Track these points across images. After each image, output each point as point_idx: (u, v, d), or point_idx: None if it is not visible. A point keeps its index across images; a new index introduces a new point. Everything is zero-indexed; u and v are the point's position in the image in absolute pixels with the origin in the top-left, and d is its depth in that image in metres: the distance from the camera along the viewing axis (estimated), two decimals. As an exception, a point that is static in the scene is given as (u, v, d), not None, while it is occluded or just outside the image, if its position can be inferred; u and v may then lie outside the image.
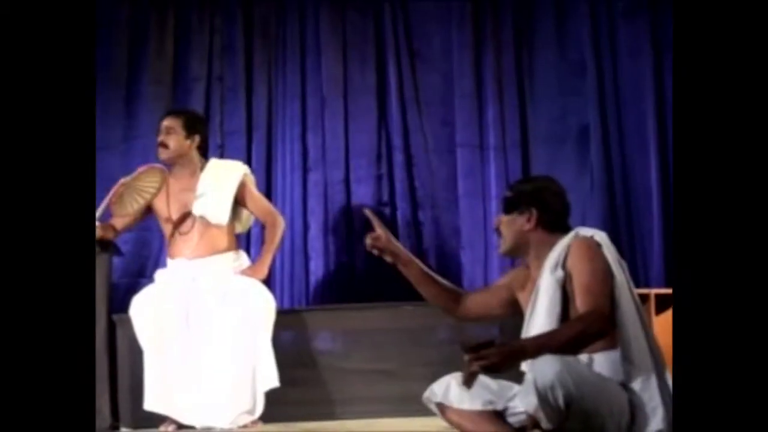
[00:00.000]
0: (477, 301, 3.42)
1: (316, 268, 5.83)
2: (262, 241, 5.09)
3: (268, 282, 4.85)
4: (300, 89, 5.97)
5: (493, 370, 2.87)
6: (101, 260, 4.74)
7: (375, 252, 3.33)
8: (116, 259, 5.03)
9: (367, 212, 3.38)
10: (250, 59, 5.97)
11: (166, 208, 4.79)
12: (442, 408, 3.23)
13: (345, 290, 5.73)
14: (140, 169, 4.76)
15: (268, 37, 6.01)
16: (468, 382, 2.92)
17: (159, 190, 4.72)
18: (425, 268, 3.38)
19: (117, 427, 4.71)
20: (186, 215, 4.74)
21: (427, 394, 3.26)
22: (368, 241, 3.30)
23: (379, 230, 3.33)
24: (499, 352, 2.83)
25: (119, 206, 4.71)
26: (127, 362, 4.73)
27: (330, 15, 6.04)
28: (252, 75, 5.96)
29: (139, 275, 5.47)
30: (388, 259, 3.33)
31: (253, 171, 5.09)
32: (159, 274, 4.80)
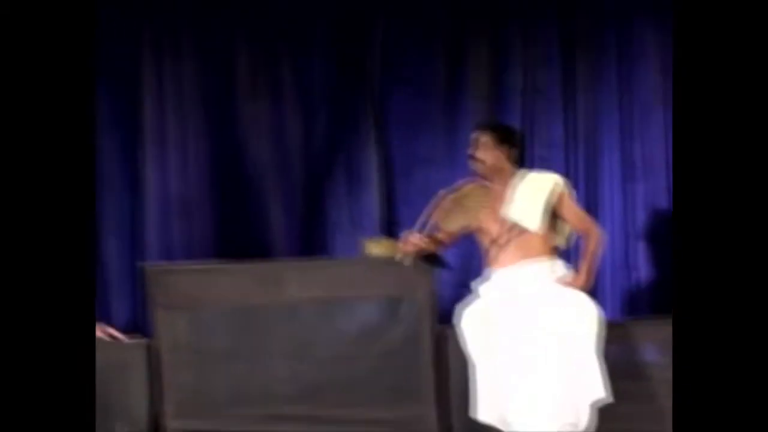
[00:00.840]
0: None
1: (640, 280, 5.72)
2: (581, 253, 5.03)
3: (591, 293, 4.77)
4: (619, 98, 5.88)
5: None
6: (425, 272, 4.85)
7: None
8: (442, 271, 5.10)
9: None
10: (568, 69, 5.94)
11: (482, 219, 4.87)
12: None
13: (669, 302, 5.55)
14: (466, 186, 4.84)
15: (586, 47, 5.96)
16: None
17: (485, 207, 4.81)
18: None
19: (445, 437, 4.79)
20: (500, 225, 4.79)
21: None
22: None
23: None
24: None
25: (447, 221, 4.82)
26: (455, 373, 4.77)
27: (650, 22, 5.91)
28: (570, 85, 5.93)
29: (464, 286, 5.53)
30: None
31: (573, 182, 5.05)
32: (479, 285, 4.85)
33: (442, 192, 4.84)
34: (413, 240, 4.75)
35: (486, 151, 4.82)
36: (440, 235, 4.93)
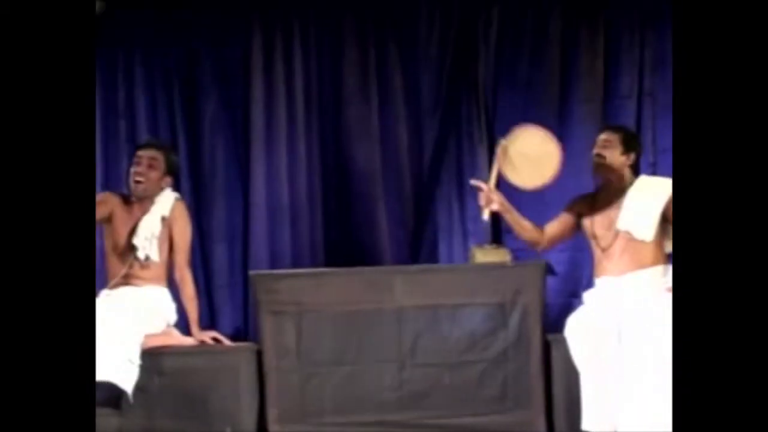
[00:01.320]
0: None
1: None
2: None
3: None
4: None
5: None
6: (534, 279, 4.83)
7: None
8: (550, 279, 5.05)
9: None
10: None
11: (590, 226, 4.83)
12: None
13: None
14: (519, 131, 4.85)
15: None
16: None
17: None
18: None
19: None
20: (612, 233, 4.74)
21: None
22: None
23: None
24: None
25: (510, 170, 4.79)
26: (562, 382, 4.74)
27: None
28: (684, 90, 5.82)
29: (573, 295, 5.51)
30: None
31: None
32: (588, 295, 4.81)
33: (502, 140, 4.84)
34: (487, 194, 4.72)
35: (613, 153, 4.80)
36: (549, 228, 4.93)
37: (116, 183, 5.52)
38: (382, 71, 6.01)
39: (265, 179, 5.91)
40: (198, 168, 5.96)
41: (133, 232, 4.97)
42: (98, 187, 5.67)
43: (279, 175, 5.92)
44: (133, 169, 5.01)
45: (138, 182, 4.99)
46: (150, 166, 5.01)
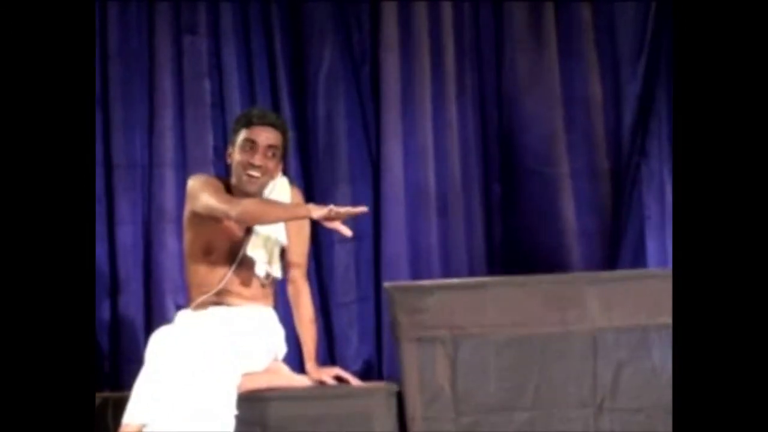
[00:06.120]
0: None
1: None
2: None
3: None
4: None
5: None
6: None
7: None
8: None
9: None
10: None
11: None
12: None
13: None
14: None
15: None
16: None
17: None
18: None
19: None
20: None
21: None
22: None
23: None
24: None
25: None
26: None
27: None
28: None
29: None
30: None
31: None
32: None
33: None
34: None
35: None
36: None
37: (196, 165, 5.18)
38: (561, 6, 5.59)
39: (403, 157, 5.52)
40: (310, 144, 5.57)
41: (234, 235, 4.45)
42: (172, 168, 5.50)
43: (422, 151, 5.52)
44: (244, 157, 4.40)
45: (253, 177, 4.38)
46: (270, 155, 4.42)
